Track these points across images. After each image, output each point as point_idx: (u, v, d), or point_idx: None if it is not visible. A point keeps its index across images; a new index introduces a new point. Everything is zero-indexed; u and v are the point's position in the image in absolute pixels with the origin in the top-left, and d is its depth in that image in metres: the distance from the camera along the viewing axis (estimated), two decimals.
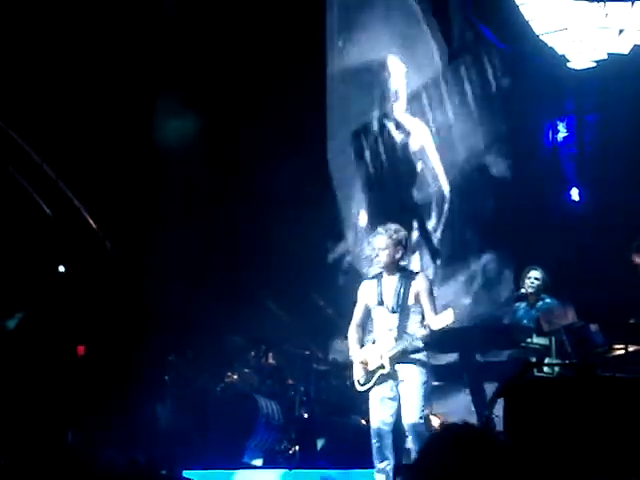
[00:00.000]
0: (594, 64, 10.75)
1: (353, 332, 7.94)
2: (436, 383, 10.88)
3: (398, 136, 12.03)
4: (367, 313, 7.91)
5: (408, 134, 11.98)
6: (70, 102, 11.06)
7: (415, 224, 11.82)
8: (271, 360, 10.56)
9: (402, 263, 7.85)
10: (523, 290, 9.81)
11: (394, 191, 11.96)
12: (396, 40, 11.85)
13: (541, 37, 10.80)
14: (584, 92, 11.48)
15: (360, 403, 9.84)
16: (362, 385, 7.79)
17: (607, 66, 10.70)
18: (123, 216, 11.38)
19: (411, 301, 7.65)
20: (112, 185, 11.28)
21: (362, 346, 7.87)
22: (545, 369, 8.92)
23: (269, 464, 9.58)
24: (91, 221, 11.38)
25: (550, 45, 10.77)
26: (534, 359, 9.27)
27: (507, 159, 11.53)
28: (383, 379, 7.68)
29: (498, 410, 7.39)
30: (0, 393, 9.54)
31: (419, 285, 7.69)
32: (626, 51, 10.58)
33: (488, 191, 11.61)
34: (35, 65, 10.86)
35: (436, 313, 7.62)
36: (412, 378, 7.63)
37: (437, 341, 10.30)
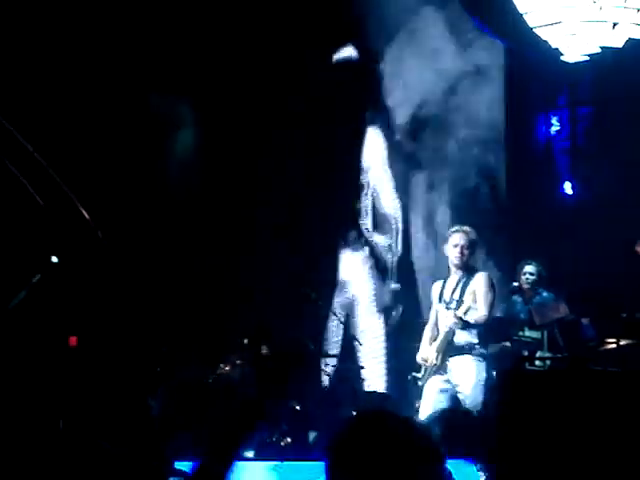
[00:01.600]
0: (588, 58, 10.74)
1: (427, 329, 8.18)
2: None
3: None
4: (435, 312, 8.18)
5: None
6: (62, 90, 11.04)
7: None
8: (264, 351, 10.57)
9: (470, 260, 8.10)
10: (516, 284, 9.81)
11: None
12: None
13: (535, 30, 10.79)
14: (578, 86, 11.49)
15: (351, 395, 9.88)
16: (420, 381, 7.92)
17: (601, 60, 10.69)
18: (116, 206, 11.37)
19: (467, 297, 7.82)
20: (105, 175, 11.27)
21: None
22: (537, 362, 8.94)
23: (260, 456, 9.58)
24: (84, 211, 11.36)
25: (544, 38, 10.76)
26: (526, 352, 9.29)
27: (500, 152, 11.52)
28: (435, 372, 7.85)
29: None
30: None
31: (477, 282, 7.90)
32: (620, 45, 10.57)
33: (481, 185, 11.60)
34: (25, 54, 10.84)
35: (488, 308, 7.81)
36: (464, 370, 7.76)
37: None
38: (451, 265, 8.09)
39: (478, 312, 7.81)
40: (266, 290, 11.17)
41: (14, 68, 10.76)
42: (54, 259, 11.12)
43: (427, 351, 7.95)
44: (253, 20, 11.63)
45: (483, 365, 7.81)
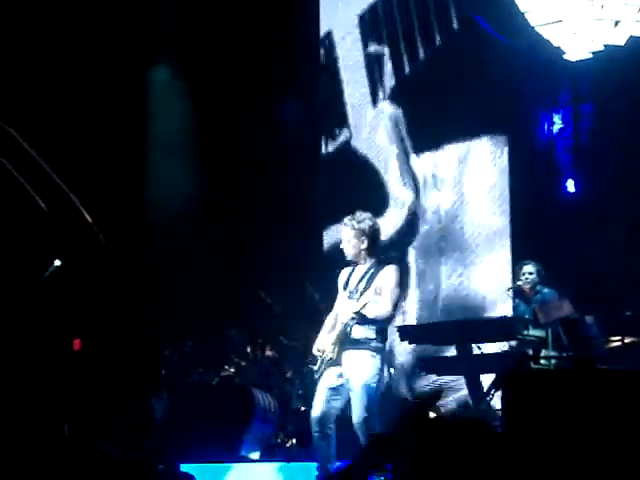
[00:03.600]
0: (590, 55, 10.73)
1: (328, 318, 7.76)
2: (433, 375, 10.96)
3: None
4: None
5: None
6: (66, 95, 11.05)
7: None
8: (268, 353, 10.57)
9: (372, 251, 7.56)
10: (519, 282, 9.81)
11: None
12: None
13: (537, 29, 10.78)
14: (580, 84, 11.47)
15: None
16: (316, 374, 7.62)
17: (603, 57, 10.68)
18: (119, 210, 11.38)
19: (371, 290, 7.39)
20: (108, 178, 11.28)
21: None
22: (542, 361, 8.93)
23: (266, 457, 9.58)
24: (86, 215, 11.35)
25: (546, 37, 10.75)
26: (530, 351, 9.28)
27: (503, 151, 11.51)
28: (330, 364, 7.47)
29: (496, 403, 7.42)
30: None
31: (385, 275, 7.45)
32: (622, 42, 10.55)
33: (484, 184, 11.61)
34: (30, 57, 10.84)
35: (391, 304, 7.39)
36: (357, 365, 7.36)
37: (434, 333, 10.38)
38: (348, 259, 7.65)
39: (380, 307, 7.34)
40: (269, 291, 11.15)
41: (17, 73, 10.77)
42: (57, 262, 11.14)
43: (324, 342, 7.52)
44: None
45: (378, 360, 7.35)
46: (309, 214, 12.03)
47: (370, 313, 7.34)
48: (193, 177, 11.76)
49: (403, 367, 11.43)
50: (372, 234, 7.57)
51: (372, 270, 7.51)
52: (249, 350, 10.55)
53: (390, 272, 7.49)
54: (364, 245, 7.55)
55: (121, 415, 9.54)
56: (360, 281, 7.51)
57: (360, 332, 7.41)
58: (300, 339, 10.13)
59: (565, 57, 10.82)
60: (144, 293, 11.11)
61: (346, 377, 7.39)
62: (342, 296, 7.65)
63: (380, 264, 7.55)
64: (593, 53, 10.71)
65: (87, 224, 11.34)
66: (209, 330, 11.02)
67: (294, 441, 9.67)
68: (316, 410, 7.46)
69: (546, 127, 11.57)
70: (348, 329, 7.40)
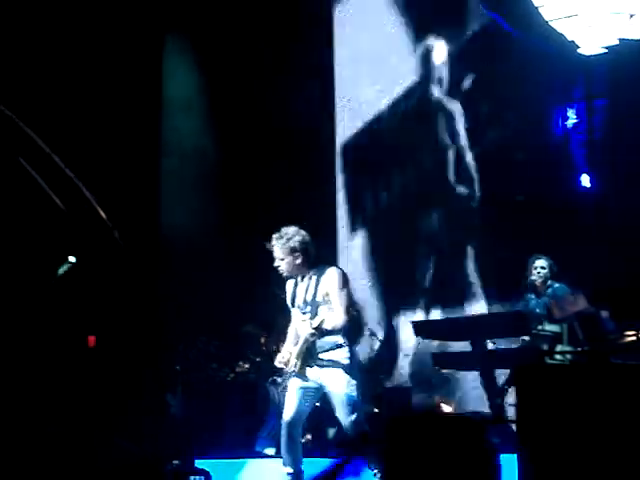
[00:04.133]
0: (604, 50, 10.69)
1: (290, 329, 7.70)
2: (447, 371, 10.96)
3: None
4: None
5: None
6: (80, 93, 11.06)
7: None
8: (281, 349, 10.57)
9: (310, 262, 7.51)
10: (532, 277, 9.79)
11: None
12: None
13: (551, 23, 10.75)
14: (594, 78, 11.43)
15: (370, 392, 9.86)
16: (279, 385, 7.62)
17: (618, 52, 10.64)
18: (133, 206, 11.39)
19: (319, 298, 7.36)
20: (122, 175, 11.30)
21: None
22: (557, 356, 8.91)
23: (280, 453, 9.58)
24: (101, 211, 11.37)
25: (560, 31, 10.72)
26: (545, 346, 9.26)
27: (517, 146, 11.50)
28: (294, 376, 7.43)
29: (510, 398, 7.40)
30: (10, 385, 9.55)
31: (328, 280, 7.39)
32: (637, 36, 10.52)
33: (498, 178, 11.60)
34: (43, 56, 10.86)
35: (344, 310, 7.32)
36: (334, 386, 7.35)
37: (448, 328, 10.37)
38: (284, 275, 7.59)
39: (334, 317, 7.27)
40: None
41: (32, 71, 10.79)
42: (72, 259, 11.16)
43: (287, 354, 7.48)
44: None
45: (349, 369, 7.31)
46: (326, 210, 12.05)
47: (328, 325, 7.29)
48: (210, 175, 11.78)
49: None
50: (303, 248, 7.49)
51: (314, 278, 7.44)
52: (264, 346, 10.56)
53: (333, 276, 7.43)
54: (298, 260, 7.48)
55: (136, 411, 9.57)
56: (306, 293, 7.45)
57: (326, 340, 7.37)
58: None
59: (579, 51, 10.79)
60: (159, 289, 11.12)
61: (324, 387, 7.39)
62: (293, 312, 7.59)
63: (320, 271, 7.47)
64: (607, 47, 10.67)
65: (101, 220, 11.37)
66: (224, 326, 11.03)
67: (309, 437, 9.67)
68: (287, 414, 7.44)
69: (560, 122, 11.55)
70: (310, 344, 7.36)
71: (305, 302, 7.44)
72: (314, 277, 7.44)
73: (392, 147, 12.20)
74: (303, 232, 7.59)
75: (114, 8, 11.09)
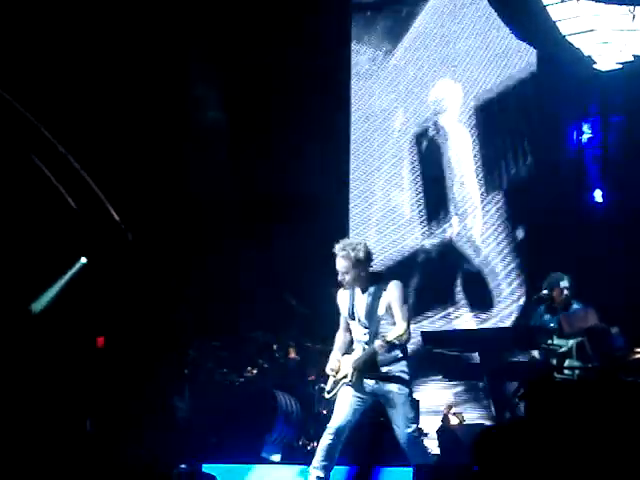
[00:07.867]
0: (620, 66, 10.71)
1: (338, 337, 7.70)
2: (456, 383, 10.96)
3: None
4: (345, 321, 7.67)
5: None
6: (95, 95, 11.11)
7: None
8: (292, 355, 10.59)
9: (370, 274, 7.50)
10: (545, 291, 9.76)
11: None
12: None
13: (568, 38, 10.77)
14: (609, 94, 11.43)
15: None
16: (328, 393, 7.59)
17: (633, 68, 10.65)
18: (146, 208, 11.43)
19: (381, 311, 7.35)
20: (135, 177, 11.34)
21: (345, 352, 7.59)
22: (566, 372, 8.89)
23: (287, 460, 9.59)
24: (114, 213, 11.42)
25: (576, 46, 10.74)
26: (555, 361, 9.24)
27: (531, 160, 11.51)
28: (347, 385, 7.44)
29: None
30: (20, 385, 9.59)
31: (390, 295, 7.37)
32: None
33: (512, 192, 11.61)
34: (59, 61, 10.91)
35: (407, 324, 7.28)
36: (393, 398, 7.39)
37: (458, 340, 10.36)
38: (347, 287, 7.54)
39: (398, 329, 7.24)
40: (294, 294, 11.17)
41: (49, 72, 10.84)
42: (83, 260, 11.21)
43: (339, 363, 7.51)
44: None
45: (403, 389, 7.36)
46: (338, 215, 12.07)
47: (393, 338, 7.27)
48: (222, 177, 11.80)
49: None
50: (368, 259, 7.49)
51: (373, 291, 7.43)
52: (273, 352, 10.58)
53: (395, 289, 7.42)
54: (363, 273, 7.47)
55: (144, 414, 9.59)
56: (368, 306, 7.44)
57: (384, 358, 7.39)
58: (325, 343, 10.16)
59: (595, 67, 10.81)
60: (169, 292, 11.15)
61: (383, 399, 7.42)
62: (351, 323, 7.57)
63: (380, 285, 7.47)
64: (623, 64, 10.69)
65: (114, 222, 11.42)
66: (234, 331, 11.04)
67: (316, 444, 9.67)
68: (335, 422, 7.46)
69: (575, 137, 11.55)
70: (373, 357, 7.36)
71: (367, 315, 7.41)
72: (372, 291, 7.43)
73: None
74: (366, 243, 7.62)
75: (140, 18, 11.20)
